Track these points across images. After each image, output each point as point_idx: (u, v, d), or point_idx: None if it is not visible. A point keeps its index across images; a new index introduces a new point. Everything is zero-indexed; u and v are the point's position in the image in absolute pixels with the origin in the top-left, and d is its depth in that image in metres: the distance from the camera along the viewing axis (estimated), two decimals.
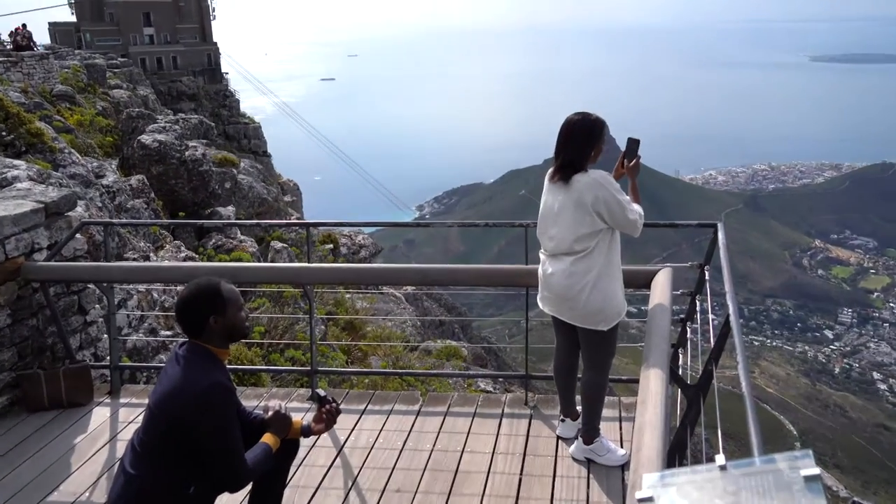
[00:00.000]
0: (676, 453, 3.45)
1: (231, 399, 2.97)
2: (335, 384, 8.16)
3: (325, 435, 4.74)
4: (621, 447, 4.45)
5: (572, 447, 4.45)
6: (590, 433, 4.31)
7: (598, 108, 4.01)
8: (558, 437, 4.67)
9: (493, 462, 4.48)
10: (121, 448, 4.71)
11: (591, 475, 4.24)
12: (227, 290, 3.07)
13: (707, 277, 4.38)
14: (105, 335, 5.86)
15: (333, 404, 3.40)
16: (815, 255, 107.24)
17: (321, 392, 3.47)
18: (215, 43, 56.89)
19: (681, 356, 4.53)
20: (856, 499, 52.36)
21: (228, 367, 3.24)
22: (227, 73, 55.42)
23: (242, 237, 11.81)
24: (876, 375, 75.45)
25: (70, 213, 5.79)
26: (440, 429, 4.93)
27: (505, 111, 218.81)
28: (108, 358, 5.66)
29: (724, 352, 3.44)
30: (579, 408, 4.49)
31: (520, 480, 4.27)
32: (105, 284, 5.52)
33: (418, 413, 5.17)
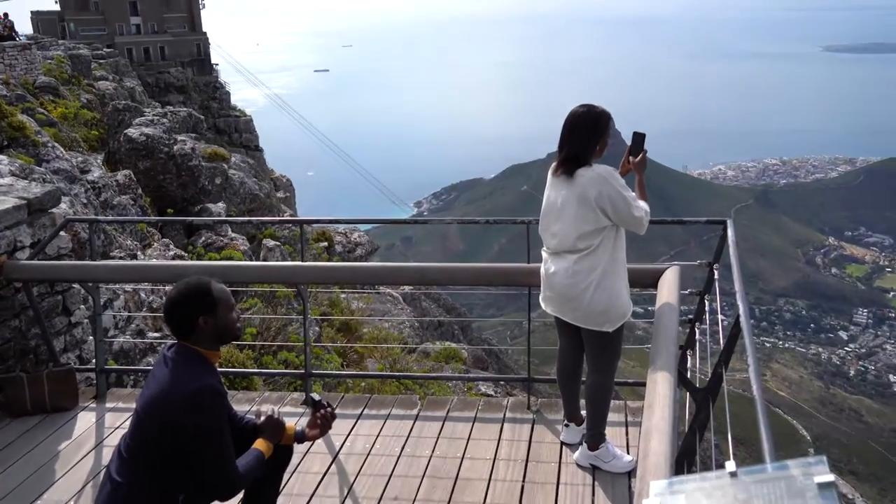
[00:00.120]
0: (685, 459, 3.45)
1: (222, 403, 2.97)
2: (330, 388, 8.16)
3: (319, 441, 4.73)
4: (628, 453, 4.45)
5: (577, 453, 4.45)
6: (595, 438, 4.31)
7: (604, 99, 4.01)
8: (562, 443, 4.67)
9: (494, 469, 4.48)
10: (107, 454, 4.71)
11: (596, 482, 4.24)
12: (218, 289, 3.06)
13: (716, 276, 4.38)
14: (90, 337, 5.86)
15: (328, 409, 3.40)
16: (828, 252, 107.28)
17: (315, 396, 3.47)
18: (205, 32, 56.86)
19: (689, 358, 4.54)
20: None
21: (219, 369, 3.24)
22: (217, 64, 55.43)
23: (233, 235, 11.80)
24: (893, 378, 75.48)
25: (54, 210, 5.78)
26: (439, 434, 4.93)
27: (506, 103, 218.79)
28: (94, 361, 5.66)
29: (735, 354, 3.44)
30: (584, 412, 4.49)
31: (522, 488, 4.27)
32: (90, 284, 5.51)
33: (416, 418, 5.17)
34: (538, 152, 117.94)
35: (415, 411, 5.27)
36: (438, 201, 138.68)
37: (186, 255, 10.54)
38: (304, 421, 3.52)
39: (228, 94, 47.56)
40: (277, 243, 12.14)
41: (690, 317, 4.72)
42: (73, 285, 5.75)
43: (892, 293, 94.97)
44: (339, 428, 4.94)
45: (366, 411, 5.30)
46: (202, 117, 22.64)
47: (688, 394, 3.79)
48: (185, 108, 23.43)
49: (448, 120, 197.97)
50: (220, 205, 12.88)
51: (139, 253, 9.01)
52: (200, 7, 57.90)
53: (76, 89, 19.93)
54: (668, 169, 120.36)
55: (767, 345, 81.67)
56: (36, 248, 5.46)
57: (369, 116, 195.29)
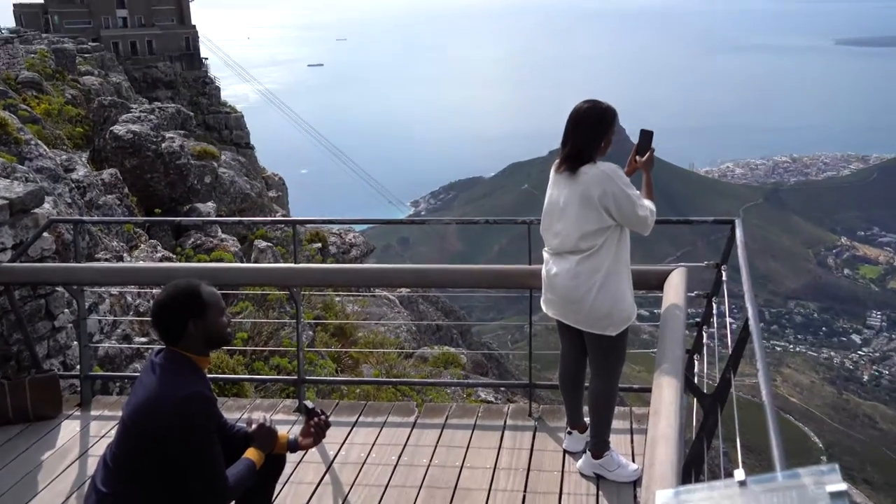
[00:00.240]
0: (692, 468, 3.45)
1: (211, 410, 2.97)
2: (324, 394, 8.15)
3: (313, 450, 4.73)
4: (633, 461, 4.45)
5: (580, 462, 4.45)
6: (599, 447, 4.31)
7: (608, 95, 4.02)
8: (565, 451, 4.67)
9: (494, 478, 4.48)
10: (92, 464, 4.70)
11: (600, 492, 4.25)
12: (208, 292, 3.06)
13: (724, 278, 4.38)
14: (75, 342, 5.85)
15: (322, 416, 3.40)
16: (840, 253, 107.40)
17: (309, 403, 3.47)
18: (194, 26, 56.86)
19: (696, 363, 4.54)
20: None
21: (209, 376, 3.24)
22: (206, 59, 55.40)
23: (223, 236, 11.80)
24: None
25: (37, 210, 5.78)
26: (437, 442, 4.93)
27: (507, 99, 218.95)
28: (79, 367, 5.65)
29: (743, 358, 3.44)
30: (587, 419, 4.49)
31: (523, 498, 4.28)
32: (75, 287, 5.51)
33: (414, 425, 5.17)
34: (539, 150, 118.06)
35: (412, 419, 5.27)
36: (436, 201, 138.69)
37: (175, 256, 10.53)
38: (297, 429, 3.52)
39: (218, 89, 47.56)
40: (269, 244, 12.13)
41: (697, 320, 4.72)
42: (57, 288, 5.75)
43: None
44: (333, 436, 4.93)
45: (361, 419, 5.30)
46: (191, 114, 22.62)
47: (695, 400, 3.79)
48: (173, 105, 23.42)
49: (447, 116, 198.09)
50: (210, 204, 12.87)
51: (126, 255, 9.00)
52: None
53: (60, 85, 19.92)
54: (674, 167, 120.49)
55: (778, 349, 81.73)
56: (18, 249, 5.46)
57: (365, 112, 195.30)
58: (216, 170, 14.31)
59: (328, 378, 8.01)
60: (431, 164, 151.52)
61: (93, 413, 5.47)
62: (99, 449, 4.86)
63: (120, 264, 7.32)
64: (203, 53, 56.30)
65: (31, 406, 5.33)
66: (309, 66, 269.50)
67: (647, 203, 4.00)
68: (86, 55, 29.72)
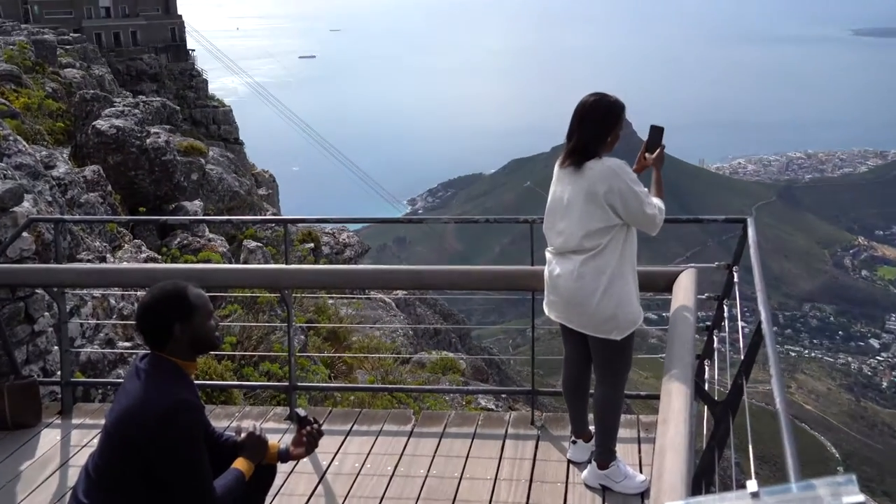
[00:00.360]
0: (703, 479, 3.45)
1: (198, 418, 2.97)
2: (317, 402, 8.15)
3: (305, 460, 4.72)
4: (640, 472, 4.45)
5: (585, 472, 4.45)
6: (604, 457, 4.31)
7: (615, 88, 4.03)
8: (569, 462, 4.67)
9: (495, 490, 4.48)
10: (73, 475, 4.69)
11: None
12: (195, 295, 3.06)
13: (736, 279, 4.39)
14: (55, 347, 5.84)
15: (315, 425, 3.39)
16: (858, 253, 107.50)
17: (301, 411, 3.47)
18: (180, 16, 56.84)
19: (707, 369, 4.54)
20: None
21: (196, 382, 3.23)
22: (193, 50, 55.35)
23: (211, 235, 11.79)
24: None
25: (16, 209, 5.77)
26: (435, 452, 4.93)
27: (508, 92, 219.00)
28: (59, 373, 5.65)
29: (756, 364, 3.45)
30: (592, 428, 4.49)
31: None
32: (55, 289, 5.50)
33: (410, 434, 5.17)
34: (542, 145, 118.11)
35: (409, 427, 5.27)
36: (434, 199, 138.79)
37: (160, 257, 10.53)
38: (288, 438, 3.52)
39: (206, 82, 47.53)
40: (259, 244, 12.13)
41: (708, 324, 4.73)
42: (37, 290, 5.74)
43: None
44: (326, 445, 4.92)
45: (355, 427, 5.30)
46: (177, 108, 22.62)
47: (705, 407, 3.79)
48: (158, 98, 23.43)
49: (445, 110, 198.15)
50: (197, 203, 12.87)
51: (109, 255, 9.00)
52: None
53: (40, 77, 19.89)
54: (683, 163, 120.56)
55: (792, 354, 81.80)
56: None
57: (359, 106, 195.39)
58: (203, 166, 14.31)
59: (321, 385, 8.00)
60: (429, 160, 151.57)
61: (74, 421, 5.47)
62: (80, 459, 4.85)
63: (103, 265, 7.31)
64: (190, 45, 56.31)
65: (9, 414, 5.32)
66: (301, 57, 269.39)
67: (656, 201, 4.00)
68: (67, 47, 29.69)
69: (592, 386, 4.41)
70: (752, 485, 1.21)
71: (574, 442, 4.66)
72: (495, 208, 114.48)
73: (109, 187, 11.56)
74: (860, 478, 1.18)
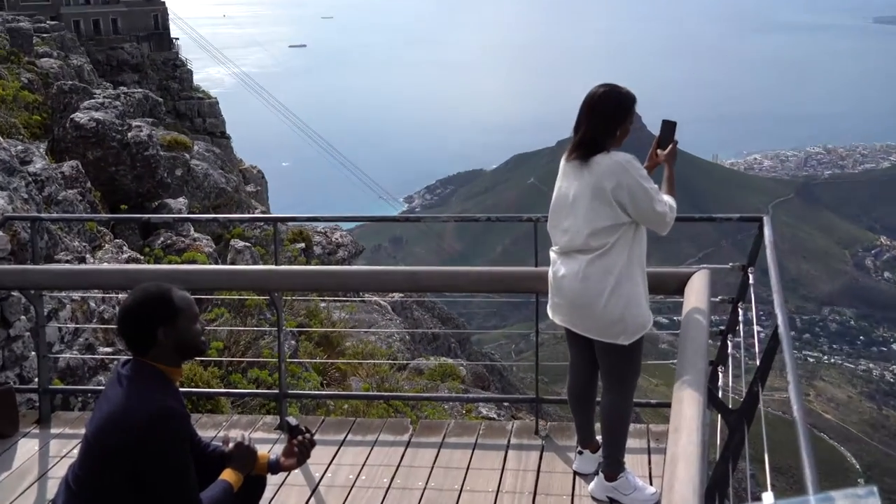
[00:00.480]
0: (716, 491, 3.46)
1: (184, 427, 2.97)
2: (308, 410, 8.15)
3: (296, 471, 4.73)
4: (650, 484, 4.46)
5: (592, 484, 4.45)
6: (613, 468, 4.32)
7: (624, 79, 4.04)
8: (575, 473, 4.67)
9: (497, 503, 4.48)
10: (52, 487, 4.69)
11: None
12: (179, 297, 3.06)
13: (751, 281, 4.39)
14: (32, 352, 5.84)
15: (306, 434, 3.40)
16: (880, 254, 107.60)
17: (292, 420, 3.47)
18: (163, 2, 56.77)
19: (720, 375, 4.54)
20: None
21: (181, 389, 3.24)
22: (177, 39, 55.34)
23: (196, 235, 11.80)
24: None
25: None
26: (434, 463, 4.93)
27: (511, 85, 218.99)
28: (37, 380, 5.65)
29: (773, 370, 3.45)
30: (600, 437, 4.49)
31: None
32: (32, 292, 5.50)
33: (408, 445, 5.17)
34: (547, 140, 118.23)
35: (406, 437, 5.27)
36: (432, 196, 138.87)
37: (143, 257, 10.53)
38: (278, 448, 3.52)
39: (190, 72, 47.55)
40: (247, 244, 12.13)
41: (722, 328, 4.73)
42: (13, 293, 5.74)
43: None
44: (318, 456, 4.92)
45: (349, 437, 5.30)
46: (160, 100, 22.64)
47: (719, 416, 3.79)
48: (140, 90, 23.42)
49: (444, 103, 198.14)
50: (182, 200, 12.87)
51: (88, 256, 9.00)
52: None
53: (15, 68, 19.88)
54: (696, 159, 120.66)
55: (810, 360, 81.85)
56: None
57: (353, 98, 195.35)
58: (188, 162, 14.31)
59: (313, 392, 8.01)
60: (427, 155, 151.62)
61: (53, 430, 5.46)
62: (60, 470, 4.85)
63: (82, 266, 7.31)
64: (173, 33, 56.27)
65: None
66: (291, 46, 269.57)
67: (667, 198, 4.00)
68: (44, 35, 29.68)
69: (599, 393, 4.41)
70: (768, 497, 1.22)
71: (580, 452, 4.66)
72: (497, 206, 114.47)
73: (89, 184, 11.55)
74: (882, 490, 1.19)
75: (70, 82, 17.06)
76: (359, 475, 4.84)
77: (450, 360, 12.34)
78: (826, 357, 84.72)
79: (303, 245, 14.54)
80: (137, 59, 46.31)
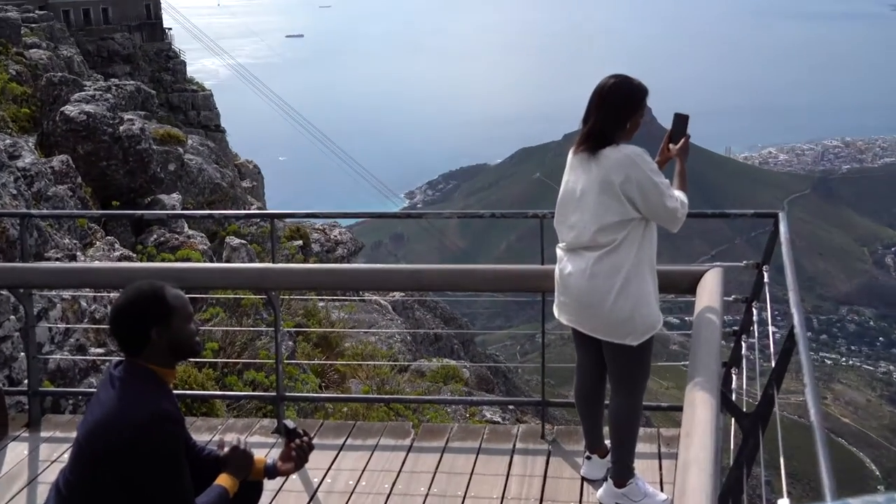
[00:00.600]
0: (729, 498, 3.46)
1: (178, 431, 2.98)
2: (306, 413, 8.16)
3: (294, 476, 4.74)
4: (661, 490, 4.46)
5: (600, 491, 4.45)
6: (622, 474, 4.32)
7: (633, 69, 4.04)
8: (583, 479, 4.68)
9: None
10: (42, 492, 4.71)
11: None
12: (173, 296, 3.07)
13: (766, 280, 4.39)
14: (22, 354, 5.85)
15: (304, 438, 3.40)
16: None
17: (289, 423, 3.48)
18: None
19: (734, 378, 4.55)
20: None
21: (175, 391, 3.24)
22: (170, 29, 55.28)
23: (190, 232, 11.81)
24: None
25: None
26: (437, 468, 4.94)
27: (517, 76, 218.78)
28: (26, 382, 5.66)
29: (788, 372, 3.45)
30: (608, 442, 4.49)
31: None
32: (21, 290, 5.51)
33: (409, 449, 5.18)
34: (553, 133, 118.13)
35: (407, 441, 5.28)
36: (435, 191, 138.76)
37: (135, 255, 10.55)
38: (275, 452, 3.52)
39: (184, 64, 47.52)
40: (243, 242, 12.14)
41: (735, 328, 4.73)
42: (1, 292, 5.75)
43: None
44: (317, 461, 4.94)
45: (349, 441, 5.31)
46: (153, 92, 22.65)
47: (733, 420, 3.80)
48: (132, 82, 23.45)
49: (446, 95, 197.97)
50: (175, 196, 12.88)
51: (79, 253, 9.01)
52: None
53: (3, 59, 19.91)
54: (708, 152, 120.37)
55: (828, 362, 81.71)
56: None
57: (352, 90, 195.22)
58: (182, 156, 14.32)
59: (311, 395, 8.01)
60: (429, 149, 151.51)
61: (43, 434, 5.48)
62: (50, 475, 4.86)
63: (73, 264, 7.32)
64: (166, 23, 56.17)
65: None
66: (287, 36, 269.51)
67: (678, 194, 4.00)
68: (32, 25, 29.70)
69: (608, 396, 4.41)
70: None
71: (588, 457, 4.66)
72: (501, 202, 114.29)
73: (79, 179, 11.57)
74: None
75: (59, 74, 17.08)
76: (359, 480, 4.84)
77: (453, 362, 12.34)
78: (844, 359, 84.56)
79: (300, 242, 14.57)
80: (129, 49, 46.29)
